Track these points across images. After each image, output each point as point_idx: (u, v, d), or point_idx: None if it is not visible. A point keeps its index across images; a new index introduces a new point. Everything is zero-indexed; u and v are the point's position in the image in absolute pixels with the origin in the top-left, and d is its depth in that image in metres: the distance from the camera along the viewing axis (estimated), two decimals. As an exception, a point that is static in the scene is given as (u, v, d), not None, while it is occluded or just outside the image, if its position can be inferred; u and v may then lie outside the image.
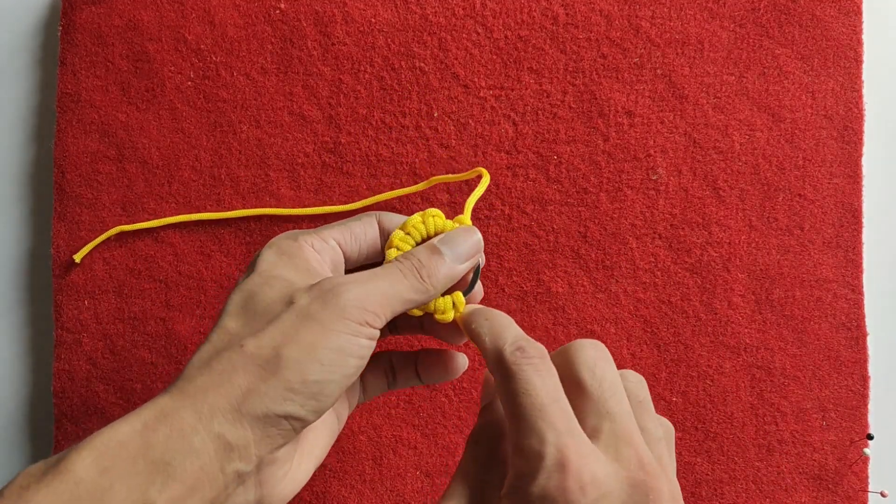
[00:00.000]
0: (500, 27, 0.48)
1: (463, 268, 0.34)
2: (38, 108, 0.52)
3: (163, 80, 0.49)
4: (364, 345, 0.30)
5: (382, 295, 0.31)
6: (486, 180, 0.40)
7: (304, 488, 0.47)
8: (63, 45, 0.49)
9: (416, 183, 0.48)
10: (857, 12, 0.48)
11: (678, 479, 0.46)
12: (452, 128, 0.48)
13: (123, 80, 0.49)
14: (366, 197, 0.48)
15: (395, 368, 0.39)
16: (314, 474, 0.47)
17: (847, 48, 0.48)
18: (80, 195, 0.49)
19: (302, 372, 0.28)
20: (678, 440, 0.46)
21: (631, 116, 0.48)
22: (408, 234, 0.35)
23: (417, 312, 0.34)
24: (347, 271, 0.36)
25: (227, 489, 0.28)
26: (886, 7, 0.50)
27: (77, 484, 0.25)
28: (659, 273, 0.47)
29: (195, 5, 0.49)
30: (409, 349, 0.42)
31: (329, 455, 0.47)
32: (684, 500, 0.46)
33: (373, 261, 0.37)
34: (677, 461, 0.47)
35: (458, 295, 0.35)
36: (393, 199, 0.48)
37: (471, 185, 0.48)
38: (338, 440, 0.47)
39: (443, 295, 0.35)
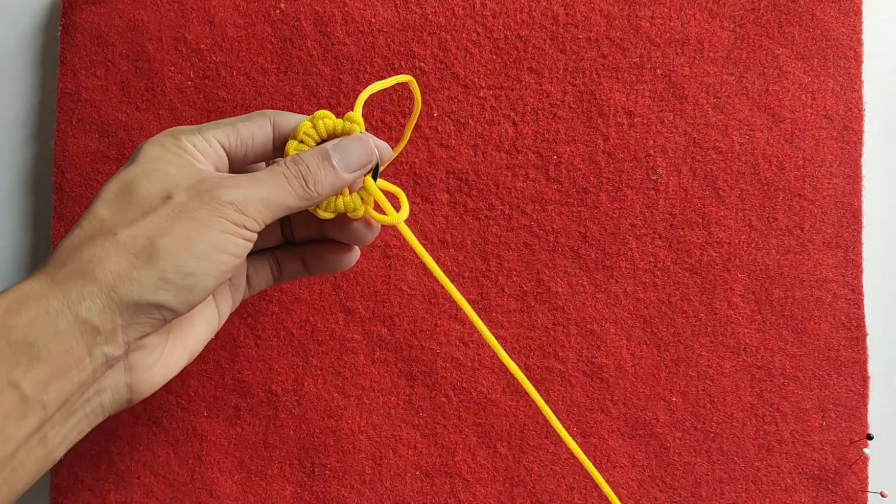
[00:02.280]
0: (500, 27, 0.48)
1: (352, 177, 0.34)
2: (37, 108, 0.52)
3: (163, 79, 0.49)
4: (240, 244, 0.30)
5: (262, 200, 0.31)
6: (415, 90, 0.39)
7: (304, 488, 0.47)
8: (63, 45, 0.49)
9: (416, 184, 0.48)
10: (857, 12, 0.48)
11: (678, 479, 0.47)
12: (452, 128, 0.48)
13: (123, 80, 0.49)
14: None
15: (280, 262, 0.39)
16: (314, 474, 0.47)
17: (847, 48, 0.48)
18: (80, 195, 0.49)
19: (176, 262, 0.29)
20: (678, 440, 0.47)
21: (631, 116, 0.48)
22: (301, 142, 0.34)
23: (328, 215, 0.34)
24: (232, 172, 0.35)
25: (95, 373, 0.28)
26: (886, 7, 0.50)
27: None
28: (659, 273, 0.47)
29: (195, 5, 0.49)
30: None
31: (329, 455, 0.47)
32: (684, 499, 0.46)
33: (262, 161, 0.36)
34: (677, 461, 0.47)
35: (369, 181, 0.34)
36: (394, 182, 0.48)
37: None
38: (338, 440, 0.47)
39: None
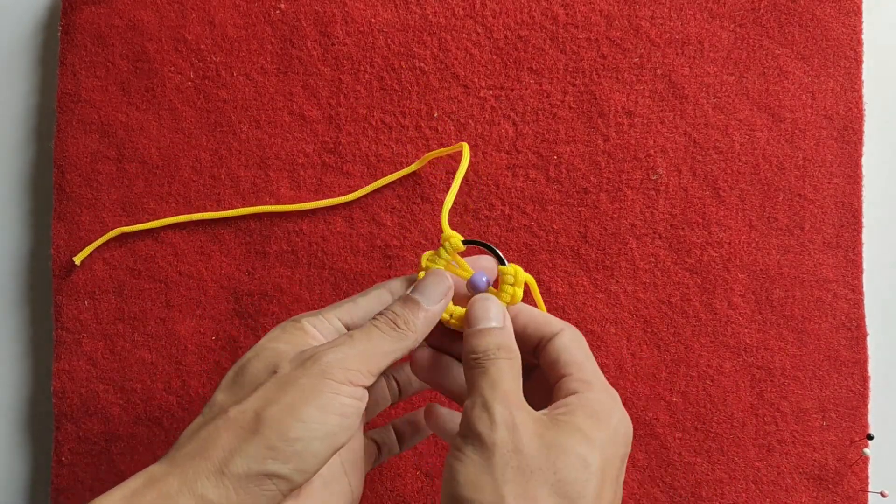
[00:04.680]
0: (500, 27, 0.48)
1: (439, 308, 0.35)
2: (38, 108, 0.52)
3: (163, 80, 0.49)
4: (346, 403, 0.31)
5: (362, 353, 0.32)
6: (465, 161, 0.41)
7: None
8: (63, 45, 0.49)
9: (416, 184, 0.48)
10: (857, 12, 0.48)
11: (678, 479, 0.47)
12: (452, 128, 0.48)
13: (123, 80, 0.49)
14: (364, 197, 0.48)
15: (377, 442, 0.41)
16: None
17: (847, 48, 0.48)
18: (80, 195, 0.49)
19: (281, 430, 0.29)
20: (678, 440, 0.47)
21: (631, 116, 0.48)
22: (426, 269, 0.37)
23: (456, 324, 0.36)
24: None
25: None
26: (886, 7, 0.50)
27: None
28: (659, 273, 0.47)
29: (195, 5, 0.49)
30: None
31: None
32: (684, 499, 0.46)
33: None
34: (678, 461, 0.47)
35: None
36: (394, 182, 0.48)
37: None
38: (338, 440, 0.47)
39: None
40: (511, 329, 0.35)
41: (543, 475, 0.29)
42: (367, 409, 0.39)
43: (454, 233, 0.37)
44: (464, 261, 0.38)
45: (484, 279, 0.36)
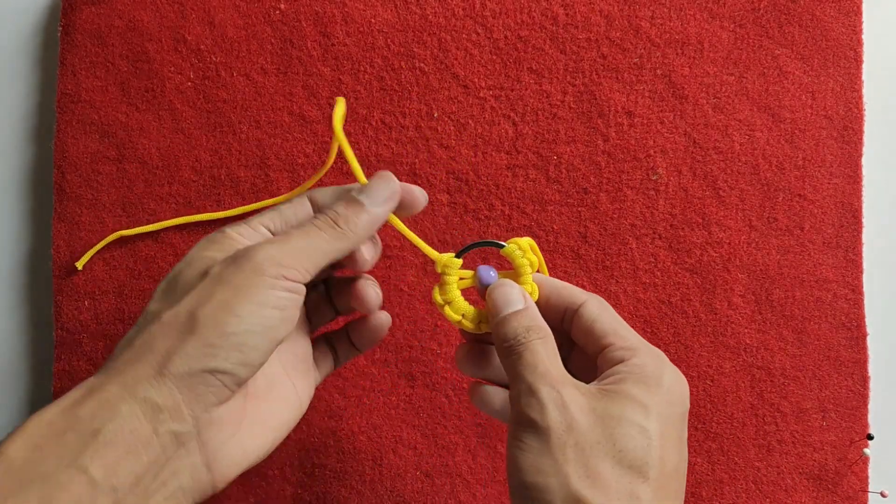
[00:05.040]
0: (500, 27, 0.48)
1: (383, 210, 0.34)
2: (38, 108, 0.52)
3: (163, 80, 0.49)
4: (283, 296, 0.30)
5: (298, 250, 0.31)
6: (339, 111, 0.36)
7: (304, 489, 0.47)
8: (63, 45, 0.49)
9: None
10: (857, 12, 0.48)
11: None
12: (452, 128, 0.48)
13: (123, 81, 0.49)
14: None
15: (335, 345, 0.40)
16: (314, 474, 0.47)
17: (847, 48, 0.48)
18: (80, 195, 0.49)
19: (218, 326, 0.29)
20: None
21: (631, 116, 0.48)
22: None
23: (469, 326, 0.36)
24: None
25: (164, 451, 0.28)
26: (886, 7, 0.50)
27: (10, 463, 0.26)
28: (659, 273, 0.47)
29: (195, 5, 0.49)
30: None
31: (329, 455, 0.47)
32: (685, 500, 0.46)
33: None
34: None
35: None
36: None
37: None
38: (338, 441, 0.47)
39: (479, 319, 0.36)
40: (534, 308, 0.34)
41: (603, 448, 0.29)
42: (318, 369, 0.39)
43: (445, 255, 0.36)
44: (470, 272, 0.37)
45: (491, 272, 0.36)
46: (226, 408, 0.30)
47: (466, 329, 0.36)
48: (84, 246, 0.48)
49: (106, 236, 0.48)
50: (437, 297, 0.36)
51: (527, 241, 0.36)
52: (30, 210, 0.51)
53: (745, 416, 0.47)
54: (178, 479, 0.29)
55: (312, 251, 0.32)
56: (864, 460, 0.47)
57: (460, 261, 0.36)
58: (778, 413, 0.47)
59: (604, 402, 0.30)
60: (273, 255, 0.31)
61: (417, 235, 0.37)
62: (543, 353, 0.32)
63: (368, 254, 0.36)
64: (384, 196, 0.35)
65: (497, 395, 0.38)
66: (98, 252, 0.49)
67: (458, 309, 0.36)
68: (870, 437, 0.46)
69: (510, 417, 0.32)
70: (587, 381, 0.32)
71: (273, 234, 0.35)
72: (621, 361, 0.32)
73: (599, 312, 0.34)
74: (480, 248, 0.44)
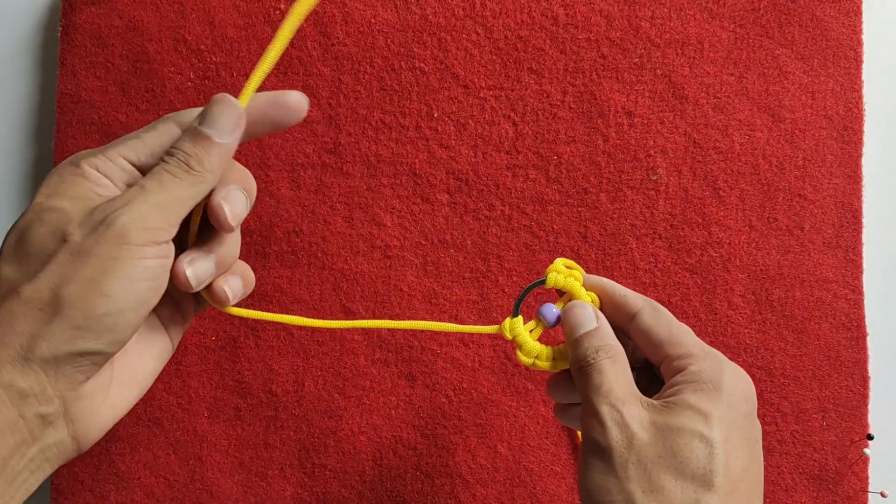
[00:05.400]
0: (500, 27, 0.48)
1: (233, 139, 0.31)
2: (38, 109, 0.52)
3: (163, 80, 0.49)
4: (153, 265, 0.28)
5: (159, 206, 0.29)
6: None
7: (304, 488, 0.47)
8: (63, 45, 0.49)
9: (416, 184, 0.48)
10: (857, 12, 0.48)
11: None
12: (452, 128, 0.48)
13: (123, 81, 0.49)
14: (364, 198, 0.48)
15: (178, 302, 0.36)
16: (314, 474, 0.47)
17: (847, 48, 0.48)
18: (80, 195, 0.49)
19: (86, 308, 0.27)
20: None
21: (631, 116, 0.48)
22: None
23: (545, 366, 0.35)
24: None
25: (32, 433, 0.28)
26: (886, 7, 0.50)
27: None
28: (659, 273, 0.47)
29: (195, 5, 0.49)
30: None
31: (329, 455, 0.47)
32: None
33: None
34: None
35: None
36: (394, 182, 0.48)
37: None
38: (338, 441, 0.47)
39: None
40: (606, 326, 0.34)
41: (664, 462, 0.29)
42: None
43: (506, 322, 0.35)
44: (533, 322, 0.36)
45: (553, 310, 0.35)
46: (93, 380, 0.29)
47: (544, 369, 0.36)
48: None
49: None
50: (524, 359, 0.35)
51: (561, 262, 0.36)
52: (30, 210, 0.51)
53: (745, 416, 0.47)
54: (44, 454, 0.29)
55: (173, 202, 0.29)
56: (864, 460, 0.47)
57: (520, 318, 0.36)
58: (778, 413, 0.47)
59: (664, 415, 0.30)
60: (135, 217, 0.28)
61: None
62: (611, 372, 0.32)
63: (232, 206, 0.31)
64: (232, 124, 0.31)
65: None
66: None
67: (530, 352, 0.35)
68: (870, 437, 0.46)
69: (581, 438, 0.32)
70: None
71: (137, 166, 0.31)
72: (679, 371, 0.32)
73: (654, 322, 0.33)
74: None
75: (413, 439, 0.47)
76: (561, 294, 0.36)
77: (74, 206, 0.29)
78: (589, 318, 0.34)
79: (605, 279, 0.36)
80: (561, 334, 0.37)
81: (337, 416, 0.48)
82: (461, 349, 0.47)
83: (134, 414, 0.48)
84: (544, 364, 0.35)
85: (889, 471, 0.48)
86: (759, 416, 0.47)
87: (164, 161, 0.30)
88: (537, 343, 0.36)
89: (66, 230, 0.28)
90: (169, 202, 0.29)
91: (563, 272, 0.35)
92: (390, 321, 0.45)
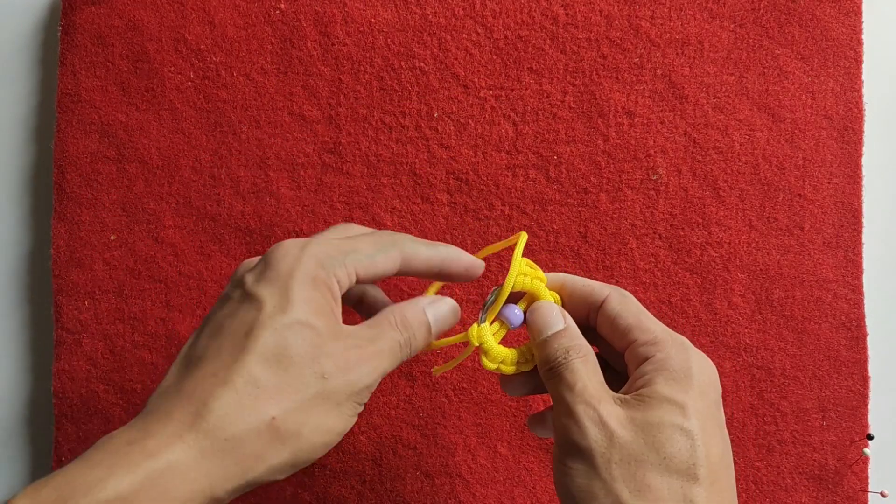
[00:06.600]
0: (500, 27, 0.48)
1: (434, 336, 0.34)
2: (38, 108, 0.52)
3: (163, 80, 0.49)
4: (351, 420, 0.31)
5: (370, 371, 0.31)
6: (519, 247, 0.36)
7: (304, 489, 0.47)
8: (63, 45, 0.49)
9: (416, 184, 0.48)
10: (857, 12, 0.48)
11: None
12: (452, 128, 0.48)
13: (123, 81, 0.49)
14: (364, 197, 0.48)
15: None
16: (314, 474, 0.47)
17: (847, 48, 0.48)
18: (80, 195, 0.49)
19: (309, 446, 0.29)
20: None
21: (631, 116, 0.48)
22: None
23: (510, 370, 0.35)
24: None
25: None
26: (886, 7, 0.50)
27: None
28: (659, 273, 0.47)
29: (195, 5, 0.49)
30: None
31: (329, 455, 0.47)
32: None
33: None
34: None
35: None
36: (394, 182, 0.48)
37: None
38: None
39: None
40: (574, 327, 0.34)
41: (649, 459, 0.29)
42: None
43: (472, 328, 0.35)
44: (496, 324, 0.36)
45: (515, 311, 0.35)
46: None
47: (507, 373, 0.35)
48: (84, 246, 0.48)
49: (106, 236, 0.48)
50: (489, 365, 0.35)
51: (524, 262, 0.35)
52: (30, 210, 0.51)
53: (745, 416, 0.47)
54: None
55: (378, 373, 0.31)
56: (864, 460, 0.47)
57: (487, 324, 0.35)
58: (778, 413, 0.47)
59: (640, 410, 0.30)
60: (369, 384, 0.31)
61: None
62: (583, 371, 0.31)
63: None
64: (447, 325, 0.35)
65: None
66: (98, 252, 0.49)
67: (496, 357, 0.35)
68: (870, 437, 0.46)
69: (555, 442, 0.31)
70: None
71: (358, 279, 0.33)
72: (647, 358, 0.31)
73: (622, 308, 0.33)
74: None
75: (413, 439, 0.47)
76: (521, 294, 0.36)
77: (328, 330, 0.30)
78: (556, 318, 0.33)
79: (566, 274, 0.36)
80: (519, 335, 0.36)
81: (337, 415, 0.48)
82: (461, 349, 0.47)
83: (134, 414, 0.48)
84: (509, 368, 0.35)
85: (889, 471, 0.48)
86: (759, 415, 0.47)
87: (399, 332, 0.32)
88: (503, 348, 0.35)
89: (324, 366, 0.29)
90: (375, 371, 0.31)
91: (529, 273, 0.35)
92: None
